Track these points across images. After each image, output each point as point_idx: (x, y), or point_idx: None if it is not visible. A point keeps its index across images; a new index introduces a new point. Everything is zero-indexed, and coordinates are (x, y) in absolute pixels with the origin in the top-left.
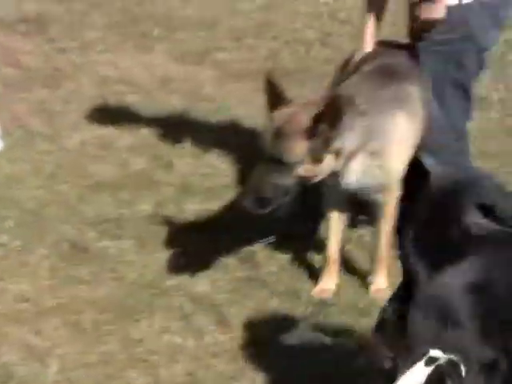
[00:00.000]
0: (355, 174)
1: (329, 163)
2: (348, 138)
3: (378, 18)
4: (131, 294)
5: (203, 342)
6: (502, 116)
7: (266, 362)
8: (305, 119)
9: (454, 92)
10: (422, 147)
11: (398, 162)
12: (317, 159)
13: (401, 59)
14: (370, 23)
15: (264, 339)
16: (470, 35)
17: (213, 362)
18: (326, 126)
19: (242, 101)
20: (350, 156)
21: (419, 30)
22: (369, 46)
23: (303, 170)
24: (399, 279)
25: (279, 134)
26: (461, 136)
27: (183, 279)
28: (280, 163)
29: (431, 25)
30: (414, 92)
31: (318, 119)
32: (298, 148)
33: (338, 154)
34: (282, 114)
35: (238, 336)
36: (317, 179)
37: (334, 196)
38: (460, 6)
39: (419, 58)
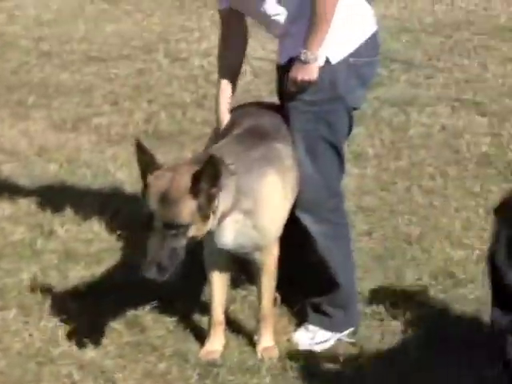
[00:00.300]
0: (230, 234)
1: (212, 221)
2: (222, 198)
3: (233, 83)
4: (18, 364)
5: None
6: (378, 171)
7: None
8: (186, 180)
9: (326, 150)
10: (297, 205)
11: (271, 220)
12: (204, 217)
13: (270, 119)
14: (223, 89)
15: None
16: (339, 95)
17: None
18: (206, 184)
19: (121, 165)
20: (224, 215)
21: (290, 90)
22: (224, 111)
23: (195, 229)
24: (285, 336)
25: (166, 198)
26: (335, 193)
27: (70, 347)
28: (173, 228)
29: (303, 86)
30: (284, 151)
31: (198, 178)
32: (188, 209)
33: (213, 212)
34: (160, 178)
35: None
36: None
37: (214, 256)
38: (328, 66)
39: (289, 117)
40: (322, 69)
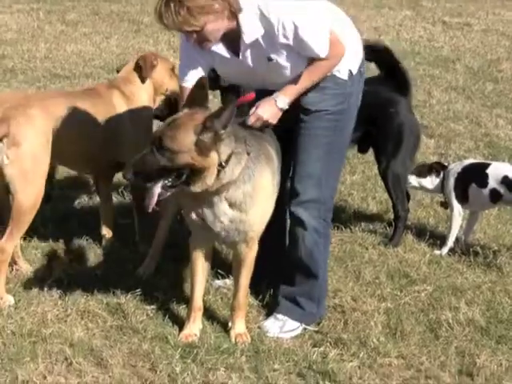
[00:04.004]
0: (226, 212)
1: (214, 160)
2: (232, 162)
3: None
4: (13, 342)
5: (85, 380)
6: None
7: None
8: (199, 118)
9: (337, 155)
10: (297, 203)
11: (262, 212)
12: (203, 153)
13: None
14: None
15: (141, 375)
16: (355, 103)
17: None
18: (216, 123)
19: None
20: (229, 184)
21: (252, 123)
22: None
23: (190, 157)
24: (255, 325)
25: (173, 124)
26: (334, 194)
27: (60, 328)
28: (162, 147)
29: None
30: (273, 154)
31: (211, 118)
32: (182, 139)
33: (223, 163)
34: (191, 111)
35: (117, 373)
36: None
37: (200, 245)
38: (350, 78)
39: (307, 123)
40: (345, 81)
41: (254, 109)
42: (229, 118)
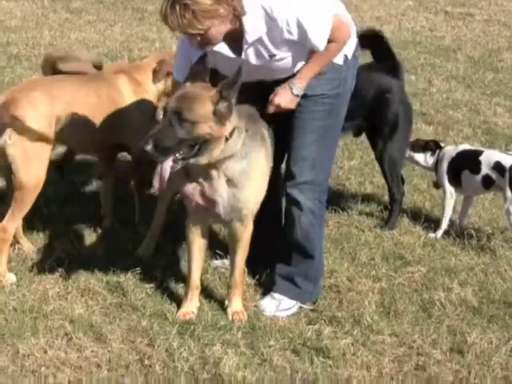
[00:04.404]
0: (225, 188)
1: (228, 130)
2: (235, 136)
3: None
4: (14, 318)
5: (84, 354)
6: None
7: (143, 369)
8: (212, 90)
9: (331, 138)
10: (293, 184)
11: (255, 190)
12: (221, 122)
13: (250, 107)
14: None
15: (139, 350)
16: (349, 87)
17: (95, 370)
18: (229, 92)
19: None
20: (229, 157)
21: (270, 111)
22: None
23: (208, 127)
24: (252, 303)
25: (186, 96)
26: (329, 176)
27: (61, 305)
28: (182, 119)
29: (281, 110)
30: (267, 137)
31: (226, 87)
32: (200, 109)
33: (230, 134)
34: (195, 84)
35: (116, 347)
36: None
37: (197, 226)
38: (345, 64)
39: (304, 107)
40: (341, 66)
41: (271, 96)
42: (238, 87)
